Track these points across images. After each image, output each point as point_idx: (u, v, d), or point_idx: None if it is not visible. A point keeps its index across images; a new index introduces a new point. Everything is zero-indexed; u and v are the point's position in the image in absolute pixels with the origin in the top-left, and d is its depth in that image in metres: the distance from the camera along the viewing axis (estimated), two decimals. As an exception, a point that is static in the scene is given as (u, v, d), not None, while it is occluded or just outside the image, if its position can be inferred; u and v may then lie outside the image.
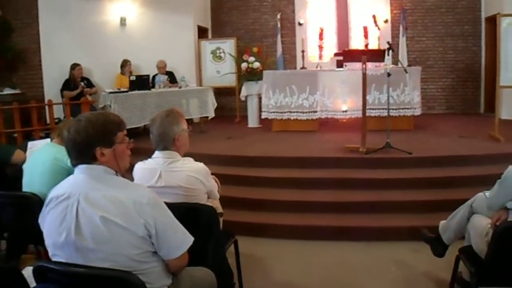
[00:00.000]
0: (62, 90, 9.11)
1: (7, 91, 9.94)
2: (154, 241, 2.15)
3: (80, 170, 2.16)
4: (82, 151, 2.13)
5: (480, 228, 3.16)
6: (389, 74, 6.13)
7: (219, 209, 3.55)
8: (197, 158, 6.42)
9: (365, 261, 4.46)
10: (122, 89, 8.32)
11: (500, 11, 9.61)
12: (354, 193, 5.51)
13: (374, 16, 6.47)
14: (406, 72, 6.34)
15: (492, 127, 7.33)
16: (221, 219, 3.59)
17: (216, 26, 12.20)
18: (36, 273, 2.11)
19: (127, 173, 2.41)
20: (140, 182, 3.11)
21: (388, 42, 6.26)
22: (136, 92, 8.07)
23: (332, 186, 5.64)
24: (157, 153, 3.16)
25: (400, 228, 4.93)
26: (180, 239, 2.26)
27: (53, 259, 2.17)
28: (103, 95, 8.16)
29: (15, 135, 7.36)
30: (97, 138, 2.12)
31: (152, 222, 2.11)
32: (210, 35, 12.10)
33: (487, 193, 3.34)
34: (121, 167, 2.25)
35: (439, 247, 3.69)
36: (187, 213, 2.90)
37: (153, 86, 8.84)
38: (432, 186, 5.52)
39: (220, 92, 11.71)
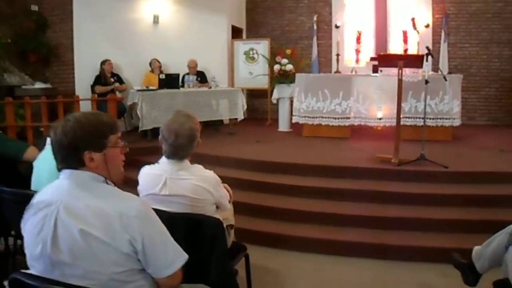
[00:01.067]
0: (93, 86, 9.03)
1: (38, 85, 9.95)
2: (141, 257, 1.90)
3: (65, 176, 1.95)
4: (69, 154, 1.92)
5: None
6: (427, 81, 5.74)
7: (230, 220, 3.32)
8: (222, 161, 6.41)
9: (387, 283, 4.16)
10: (150, 87, 8.17)
11: None
12: (381, 208, 5.16)
13: (413, 20, 6.11)
14: (446, 80, 5.92)
15: None
16: (232, 231, 3.36)
17: (250, 27, 11.98)
18: (12, 285, 1.91)
19: (124, 184, 2.16)
20: (144, 187, 2.94)
21: (427, 47, 5.87)
22: (165, 90, 7.90)
23: (359, 198, 5.31)
24: (164, 159, 2.93)
25: (429, 248, 4.57)
26: (172, 257, 1.99)
27: (30, 270, 1.96)
28: (132, 93, 8.06)
29: (41, 129, 7.29)
30: (85, 140, 1.91)
31: (139, 237, 1.86)
32: (244, 36, 11.89)
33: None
34: (112, 174, 2.02)
35: (471, 275, 3.32)
36: (191, 224, 2.71)
37: (183, 86, 8.67)
38: (468, 204, 5.13)
39: (253, 94, 11.57)
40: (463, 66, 10.84)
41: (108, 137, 1.99)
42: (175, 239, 2.04)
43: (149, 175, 2.95)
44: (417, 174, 5.64)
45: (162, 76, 8.32)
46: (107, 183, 1.98)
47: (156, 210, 2.04)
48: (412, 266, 4.39)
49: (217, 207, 3.07)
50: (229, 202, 3.25)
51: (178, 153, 2.88)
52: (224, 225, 3.04)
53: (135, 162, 7.01)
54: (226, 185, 3.33)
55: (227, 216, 3.22)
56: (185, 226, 2.66)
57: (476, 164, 6.13)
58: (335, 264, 4.50)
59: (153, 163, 3.01)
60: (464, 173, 5.66)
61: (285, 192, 5.57)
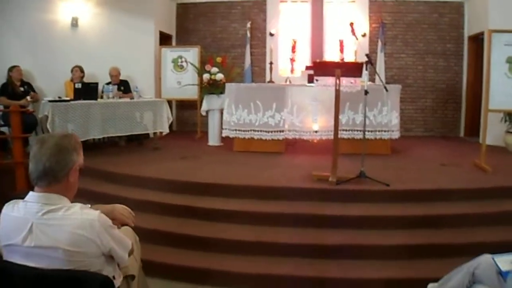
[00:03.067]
0: (-2, 96, 7.99)
1: None
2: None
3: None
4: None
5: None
6: (366, 92, 5.25)
7: (130, 270, 2.57)
8: (140, 182, 5.62)
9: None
10: (64, 98, 7.30)
11: (484, 29, 9.01)
12: (319, 233, 4.59)
13: (352, 24, 5.58)
14: (387, 90, 5.44)
15: (477, 155, 6.63)
16: (133, 283, 2.61)
17: (181, 33, 11.24)
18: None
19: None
20: (2, 235, 2.14)
21: (367, 55, 5.37)
22: (79, 102, 7.05)
23: (294, 223, 4.72)
24: (32, 195, 2.16)
25: (375, 280, 4.05)
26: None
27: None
28: (43, 104, 7.12)
29: None
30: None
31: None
32: (174, 43, 11.15)
33: (497, 258, 2.45)
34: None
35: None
36: (68, 285, 1.98)
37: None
38: (413, 226, 4.71)
39: (182, 105, 10.91)
40: (400, 77, 10.60)
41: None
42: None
43: (10, 219, 2.14)
44: (357, 194, 5.16)
45: (78, 86, 7.45)
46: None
47: (19, 267, 1.97)
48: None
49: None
50: (130, 251, 2.46)
51: (48, 174, 2.11)
52: (119, 280, 2.33)
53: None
54: (128, 223, 2.60)
55: (126, 264, 2.48)
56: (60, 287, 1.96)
57: (418, 180, 5.68)
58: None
59: (21, 197, 2.23)
60: (406, 192, 5.22)
61: (212, 217, 4.89)
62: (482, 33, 9.42)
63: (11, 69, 8.16)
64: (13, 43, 8.91)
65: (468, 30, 10.38)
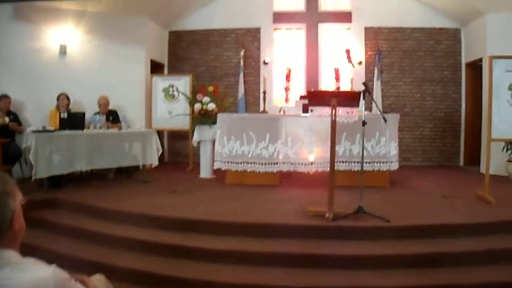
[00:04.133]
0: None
1: None
2: None
3: None
4: None
5: None
6: (364, 123, 4.97)
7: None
8: (126, 218, 5.30)
9: None
10: (48, 128, 7.01)
11: (482, 56, 8.86)
12: (315, 274, 4.23)
13: (348, 51, 5.32)
14: (385, 121, 5.16)
15: (479, 185, 6.41)
16: None
17: (173, 62, 11.04)
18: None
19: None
20: None
21: (364, 83, 5.09)
22: (64, 132, 6.78)
23: (288, 264, 4.38)
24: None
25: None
26: None
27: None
28: (27, 134, 6.83)
29: None
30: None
31: None
32: (166, 71, 10.91)
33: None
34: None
35: None
36: None
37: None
38: (416, 265, 4.35)
39: (174, 136, 10.64)
40: (397, 105, 10.38)
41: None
42: None
43: None
44: (355, 230, 4.83)
45: (64, 115, 7.19)
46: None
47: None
48: None
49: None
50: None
51: None
52: None
53: (24, 219, 5.86)
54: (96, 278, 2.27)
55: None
56: None
57: (419, 214, 5.36)
58: None
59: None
60: (408, 228, 4.90)
61: (199, 257, 4.54)
62: (480, 60, 9.28)
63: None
64: (0, 71, 8.64)
65: (466, 57, 10.22)
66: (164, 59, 10.93)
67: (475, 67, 9.87)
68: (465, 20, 9.94)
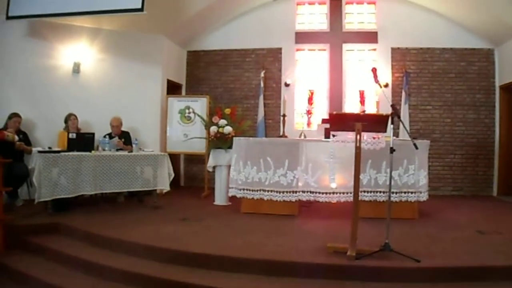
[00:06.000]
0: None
1: None
2: None
3: None
4: None
5: None
6: (393, 150, 4.45)
7: None
8: (129, 249, 4.84)
9: None
10: (54, 149, 6.67)
11: None
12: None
13: (374, 70, 4.81)
14: (417, 148, 4.60)
15: None
16: None
17: (191, 83, 10.69)
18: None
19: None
20: None
21: (392, 106, 4.56)
22: (71, 153, 6.42)
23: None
24: None
25: None
26: None
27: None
28: (34, 155, 6.50)
29: None
30: None
31: None
32: (184, 92, 10.53)
33: None
34: None
35: None
36: None
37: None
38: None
39: (191, 159, 10.23)
40: (426, 130, 9.81)
41: None
42: None
43: None
44: (380, 271, 4.26)
45: (72, 136, 6.85)
46: None
47: None
48: None
49: None
50: None
51: None
52: None
53: (24, 245, 5.47)
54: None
55: None
56: None
57: (453, 253, 4.74)
58: None
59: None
60: (441, 269, 4.30)
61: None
62: (516, 82, 8.72)
63: (11, 116, 7.57)
64: (11, 89, 8.38)
65: (500, 79, 9.64)
66: (182, 79, 10.59)
67: (510, 90, 9.29)
68: (499, 39, 9.39)
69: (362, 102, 9.64)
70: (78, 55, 8.76)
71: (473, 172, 9.82)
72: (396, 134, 8.27)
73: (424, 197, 6.58)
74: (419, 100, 9.88)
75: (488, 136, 9.77)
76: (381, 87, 4.88)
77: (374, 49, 10.09)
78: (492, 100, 9.75)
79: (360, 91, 9.70)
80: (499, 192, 9.65)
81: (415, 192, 6.52)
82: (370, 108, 9.75)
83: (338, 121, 4.76)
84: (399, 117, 4.54)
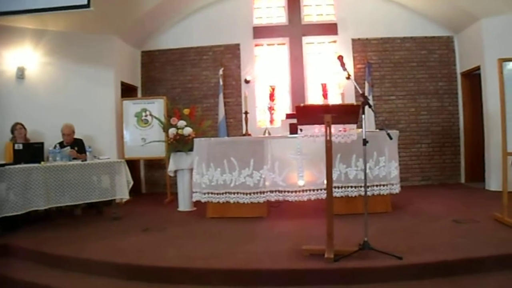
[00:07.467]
0: None
1: None
2: None
3: None
4: None
5: None
6: (366, 142, 4.17)
7: None
8: (84, 266, 4.34)
9: None
10: (1, 162, 6.15)
11: (480, 63, 8.26)
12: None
13: (341, 58, 4.51)
14: (391, 138, 4.32)
15: (491, 205, 6.04)
16: None
17: (147, 84, 10.20)
18: None
19: None
20: None
21: (362, 95, 4.29)
22: (18, 166, 5.89)
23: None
24: None
25: None
26: None
27: None
28: (-24, 170, 5.94)
29: None
30: None
31: None
32: (140, 95, 10.04)
33: None
34: None
35: None
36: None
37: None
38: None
39: (151, 164, 9.74)
40: (391, 121, 9.63)
41: None
42: None
43: None
44: (362, 273, 3.96)
45: (19, 147, 6.32)
46: None
47: None
48: None
49: None
50: None
51: None
52: None
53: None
54: None
55: None
56: None
57: (435, 247, 4.46)
58: None
59: None
60: (425, 265, 4.01)
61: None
62: (477, 68, 8.61)
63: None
64: None
65: (461, 66, 9.56)
66: (137, 81, 10.09)
67: (471, 76, 9.23)
68: (458, 27, 9.30)
69: (325, 95, 9.39)
70: (21, 59, 8.17)
71: (440, 161, 9.72)
72: (359, 126, 8.02)
73: (396, 189, 6.37)
74: (383, 90, 9.70)
75: (453, 124, 9.67)
76: (349, 75, 4.57)
77: (335, 41, 9.85)
78: (454, 87, 9.67)
79: (322, 84, 9.45)
80: (466, 179, 9.60)
81: (387, 185, 6.30)
82: (334, 101, 9.49)
83: (305, 114, 4.43)
84: (370, 106, 4.25)
